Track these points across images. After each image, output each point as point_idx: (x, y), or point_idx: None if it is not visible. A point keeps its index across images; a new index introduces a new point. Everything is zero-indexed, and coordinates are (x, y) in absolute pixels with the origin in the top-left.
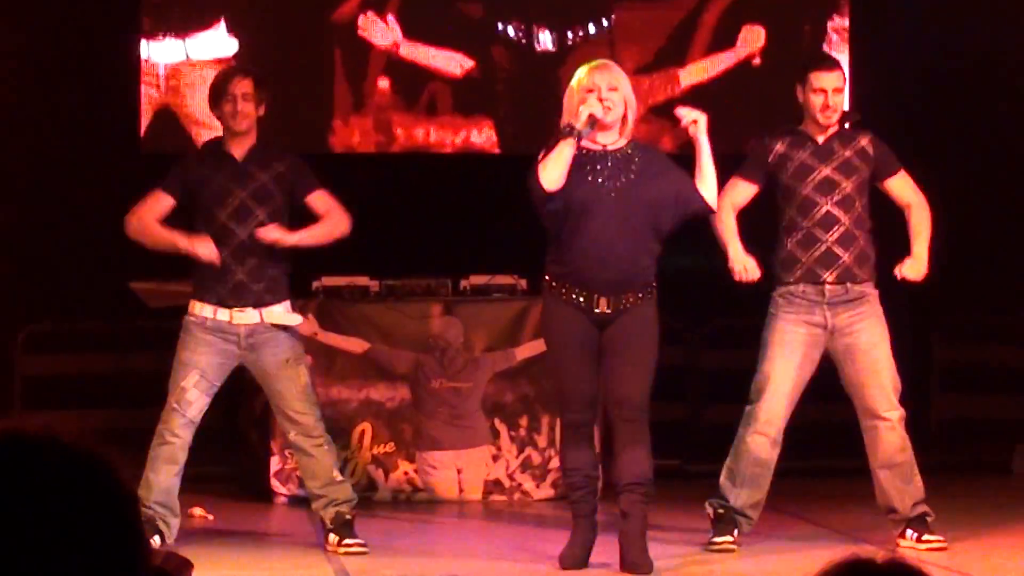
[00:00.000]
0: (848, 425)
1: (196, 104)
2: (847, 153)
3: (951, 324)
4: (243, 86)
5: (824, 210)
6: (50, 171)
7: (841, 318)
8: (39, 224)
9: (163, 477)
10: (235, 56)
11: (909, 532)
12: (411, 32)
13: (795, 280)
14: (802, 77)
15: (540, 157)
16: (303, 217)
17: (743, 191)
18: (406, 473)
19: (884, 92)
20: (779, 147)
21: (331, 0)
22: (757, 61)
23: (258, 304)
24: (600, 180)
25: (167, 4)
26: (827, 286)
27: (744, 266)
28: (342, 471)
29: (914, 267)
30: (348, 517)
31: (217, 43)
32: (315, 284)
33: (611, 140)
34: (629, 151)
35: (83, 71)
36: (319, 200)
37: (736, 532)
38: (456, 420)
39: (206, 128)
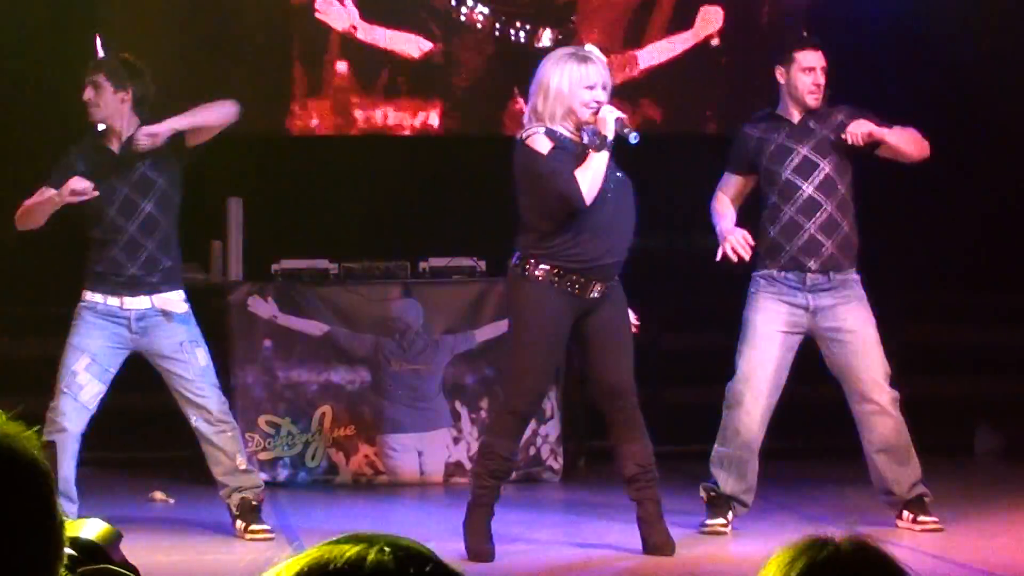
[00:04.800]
0: (840, 404)
1: None
2: (824, 131)
3: (912, 304)
4: (93, 77)
5: (806, 195)
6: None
7: (823, 300)
8: None
9: (55, 465)
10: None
11: (905, 513)
12: (368, 14)
13: (779, 267)
14: (787, 57)
15: (546, 153)
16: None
17: (732, 183)
18: (367, 456)
19: (841, 70)
20: (756, 133)
21: None
22: (716, 42)
23: (151, 292)
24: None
25: None
26: (809, 275)
27: (733, 241)
28: (251, 459)
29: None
30: (254, 503)
31: None
32: (274, 267)
33: None
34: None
35: (39, 54)
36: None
37: (730, 515)
38: (416, 403)
39: None
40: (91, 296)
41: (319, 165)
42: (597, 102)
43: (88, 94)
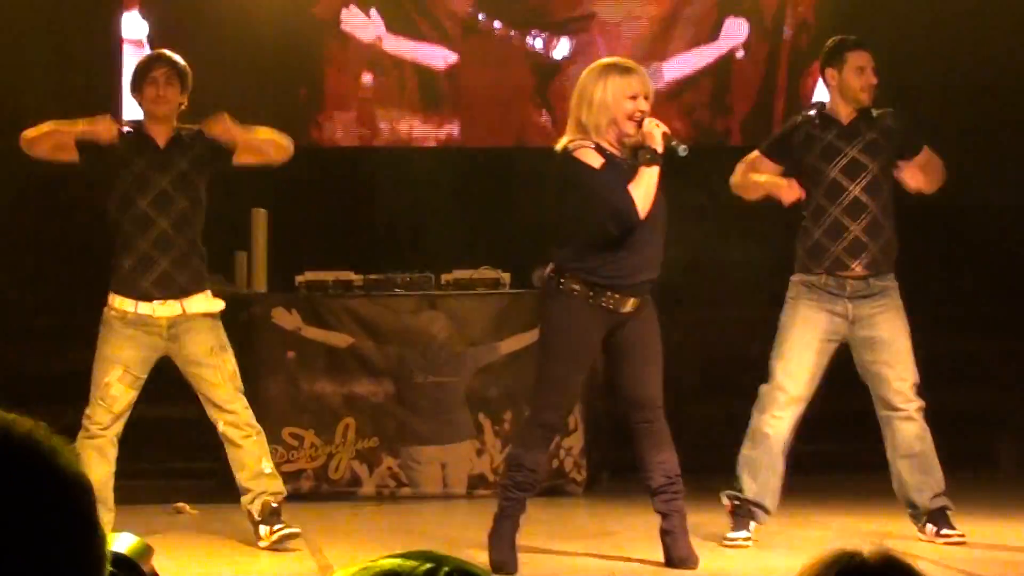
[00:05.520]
0: (868, 413)
1: None
2: (872, 134)
3: (937, 316)
4: (166, 70)
5: (852, 196)
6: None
7: (863, 309)
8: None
9: (93, 471)
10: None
11: (928, 526)
12: (394, 26)
13: (822, 271)
14: (837, 58)
15: (599, 168)
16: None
17: (764, 167)
18: (390, 468)
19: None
20: (807, 128)
21: None
22: (740, 54)
23: (181, 295)
24: None
25: None
26: (850, 281)
27: (787, 185)
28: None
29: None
30: (274, 505)
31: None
32: (299, 279)
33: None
34: None
35: (63, 48)
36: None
37: (752, 526)
38: (440, 415)
39: None
40: (120, 303)
41: (344, 177)
42: (640, 112)
43: (164, 89)
